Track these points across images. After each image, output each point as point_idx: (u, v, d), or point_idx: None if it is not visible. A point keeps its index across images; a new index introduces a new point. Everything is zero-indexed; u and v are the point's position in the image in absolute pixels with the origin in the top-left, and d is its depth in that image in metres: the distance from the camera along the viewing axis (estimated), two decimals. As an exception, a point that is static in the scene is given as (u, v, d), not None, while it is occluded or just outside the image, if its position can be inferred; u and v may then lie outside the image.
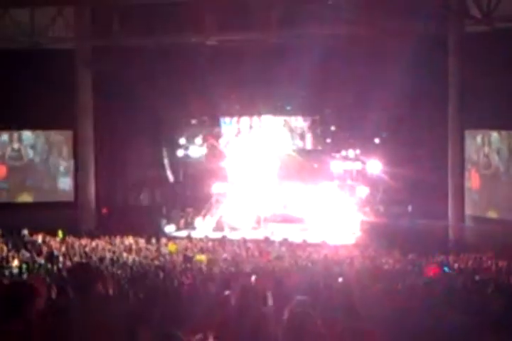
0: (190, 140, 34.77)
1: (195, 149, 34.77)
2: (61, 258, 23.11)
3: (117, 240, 28.63)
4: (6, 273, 19.56)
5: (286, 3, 28.80)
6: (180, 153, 34.81)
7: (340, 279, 16.13)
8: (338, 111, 32.50)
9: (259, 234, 31.78)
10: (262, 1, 28.54)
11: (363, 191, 32.17)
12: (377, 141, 32.39)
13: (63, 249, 25.54)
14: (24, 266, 21.05)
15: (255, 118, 34.25)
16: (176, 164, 35.15)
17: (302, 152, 33.67)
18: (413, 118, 30.42)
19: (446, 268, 20.39)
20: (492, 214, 29.57)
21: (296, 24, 29.80)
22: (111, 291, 11.88)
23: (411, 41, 27.55)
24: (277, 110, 33.69)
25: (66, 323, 6.11)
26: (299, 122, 34.00)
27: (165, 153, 34.83)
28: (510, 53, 26.74)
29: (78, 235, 29.27)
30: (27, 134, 34.36)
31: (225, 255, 25.90)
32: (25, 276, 18.83)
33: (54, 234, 28.58)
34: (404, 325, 8.99)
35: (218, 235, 31.81)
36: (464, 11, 27.75)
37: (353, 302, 8.57)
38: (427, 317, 9.48)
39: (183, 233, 32.42)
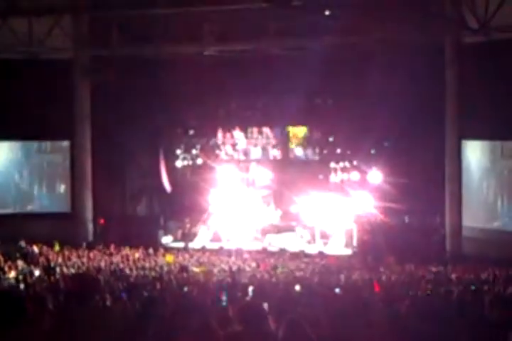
0: (188, 150, 34.78)
1: (193, 159, 34.77)
2: (58, 269, 23.05)
3: (114, 251, 28.60)
4: (4, 284, 19.47)
5: (284, 14, 28.84)
6: (177, 163, 34.83)
7: (337, 290, 16.13)
8: (335, 122, 32.49)
9: (256, 245, 31.77)
10: (260, 11, 28.57)
11: (360, 202, 32.13)
12: (372, 151, 32.41)
13: (60, 260, 25.48)
14: (21, 277, 20.97)
15: (252, 128, 34.28)
16: (174, 174, 35.12)
17: (300, 162, 33.69)
18: (410, 129, 30.43)
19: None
20: (490, 225, 29.55)
21: (293, 35, 29.91)
22: (108, 302, 11.87)
23: (408, 52, 27.62)
24: (275, 120, 33.69)
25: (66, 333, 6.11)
26: (298, 133, 34.02)
27: (162, 164, 34.79)
28: (508, 63, 26.80)
29: (75, 246, 29.21)
30: (22, 144, 34.28)
31: (221, 266, 25.87)
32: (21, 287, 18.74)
33: (51, 245, 28.52)
34: (401, 335, 8.99)
35: (215, 246, 31.79)
36: (461, 21, 27.81)
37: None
38: (424, 326, 9.47)
39: (180, 244, 32.40)
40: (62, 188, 34.39)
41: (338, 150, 32.99)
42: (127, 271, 23.39)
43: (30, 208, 34.00)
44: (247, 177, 33.87)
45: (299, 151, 33.96)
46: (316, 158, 33.55)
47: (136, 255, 27.97)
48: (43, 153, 34.32)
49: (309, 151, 33.75)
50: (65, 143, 34.06)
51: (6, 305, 5.10)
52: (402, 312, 11.09)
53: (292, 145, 33.97)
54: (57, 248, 28.55)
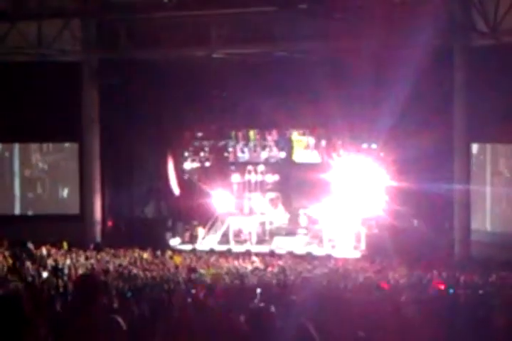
0: (196, 153, 34.81)
1: (201, 162, 34.81)
2: (66, 271, 23.10)
3: (122, 253, 28.63)
4: (10, 286, 19.51)
5: (291, 17, 28.85)
6: (186, 165, 34.86)
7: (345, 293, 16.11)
8: (343, 125, 32.43)
9: (264, 247, 31.75)
10: (266, 14, 28.60)
11: (369, 205, 32.08)
12: (381, 154, 32.34)
13: (68, 261, 25.53)
14: (29, 279, 21.01)
15: (260, 130, 34.35)
16: (182, 177, 35.14)
17: (308, 165, 33.64)
18: (419, 132, 30.37)
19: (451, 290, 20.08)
20: (498, 229, 29.50)
21: (300, 38, 29.90)
22: (115, 304, 11.89)
23: (417, 55, 27.56)
24: (283, 123, 33.68)
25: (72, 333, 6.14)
26: (305, 136, 34.04)
27: (171, 166, 34.83)
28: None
29: (83, 248, 29.26)
30: (33, 146, 34.39)
31: (229, 268, 25.87)
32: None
33: (59, 247, 28.58)
34: (409, 338, 8.98)
35: (223, 248, 31.78)
36: (471, 24, 27.78)
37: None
38: (431, 330, 9.46)
39: (188, 246, 32.40)
40: (68, 190, 34.45)
41: (345, 153, 32.92)
42: (135, 272, 23.42)
43: (38, 210, 34.04)
44: (254, 179, 33.86)
45: (305, 154, 33.93)
46: (323, 161, 33.47)
47: (144, 257, 28.00)
48: (44, 153, 34.43)
49: (316, 154, 33.72)
50: (67, 144, 34.18)
51: (7, 311, 5.10)
52: (410, 315, 11.08)
53: (299, 148, 33.96)
54: (65, 247, 28.63)
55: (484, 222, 30.07)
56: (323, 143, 33.63)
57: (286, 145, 34.20)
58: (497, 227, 29.72)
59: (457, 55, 29.55)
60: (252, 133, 34.54)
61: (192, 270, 24.26)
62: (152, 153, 34.90)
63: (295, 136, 34.00)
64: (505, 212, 29.72)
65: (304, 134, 34.05)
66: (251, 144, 34.49)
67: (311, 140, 33.85)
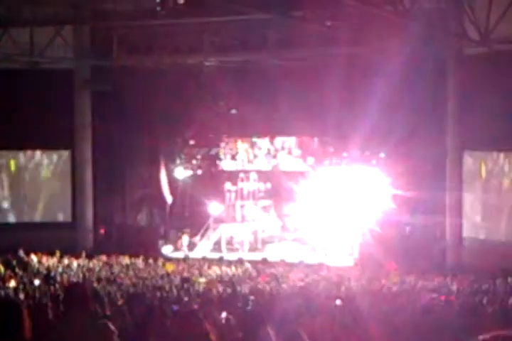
0: (188, 160, 34.77)
1: (193, 170, 34.77)
2: (58, 279, 23.03)
3: (114, 260, 28.57)
4: (2, 293, 19.43)
5: (284, 24, 28.87)
6: (178, 173, 34.81)
7: (338, 301, 16.10)
8: (336, 133, 32.45)
9: (256, 255, 31.71)
10: (259, 21, 28.61)
11: (361, 212, 32.08)
12: (374, 162, 32.36)
13: (60, 269, 25.46)
14: (21, 286, 20.94)
15: (253, 138, 34.32)
16: (174, 184, 35.10)
17: (300, 173, 33.64)
18: (411, 140, 30.43)
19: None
20: (490, 236, 29.52)
21: (293, 45, 29.90)
22: (108, 311, 11.84)
23: (409, 63, 27.61)
24: (277, 131, 33.70)
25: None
26: (297, 143, 34.04)
27: (163, 174, 34.79)
28: (508, 74, 26.82)
29: (75, 255, 29.19)
30: (25, 154, 34.31)
31: (222, 276, 25.82)
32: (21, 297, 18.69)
33: (51, 255, 28.50)
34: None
35: (216, 256, 31.73)
36: (462, 32, 27.84)
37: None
38: (423, 338, 9.46)
39: (181, 254, 32.34)
40: (56, 198, 34.36)
41: (338, 161, 32.93)
42: (127, 280, 23.36)
43: (30, 217, 33.97)
44: (247, 187, 33.84)
45: (296, 162, 33.93)
46: (317, 168, 33.47)
47: (137, 264, 27.94)
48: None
49: (309, 162, 33.72)
50: (66, 153, 34.08)
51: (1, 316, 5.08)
52: (402, 323, 11.07)
53: (290, 157, 33.96)
54: (57, 255, 28.56)
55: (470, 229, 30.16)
56: (316, 150, 33.63)
57: (278, 153, 34.19)
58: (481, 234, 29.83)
59: (449, 62, 29.62)
60: (240, 142, 34.47)
61: (185, 280, 24.16)
62: (145, 161, 34.89)
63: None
64: (490, 219, 29.77)
65: (297, 142, 34.06)
66: (240, 153, 34.44)
67: (305, 147, 33.85)
